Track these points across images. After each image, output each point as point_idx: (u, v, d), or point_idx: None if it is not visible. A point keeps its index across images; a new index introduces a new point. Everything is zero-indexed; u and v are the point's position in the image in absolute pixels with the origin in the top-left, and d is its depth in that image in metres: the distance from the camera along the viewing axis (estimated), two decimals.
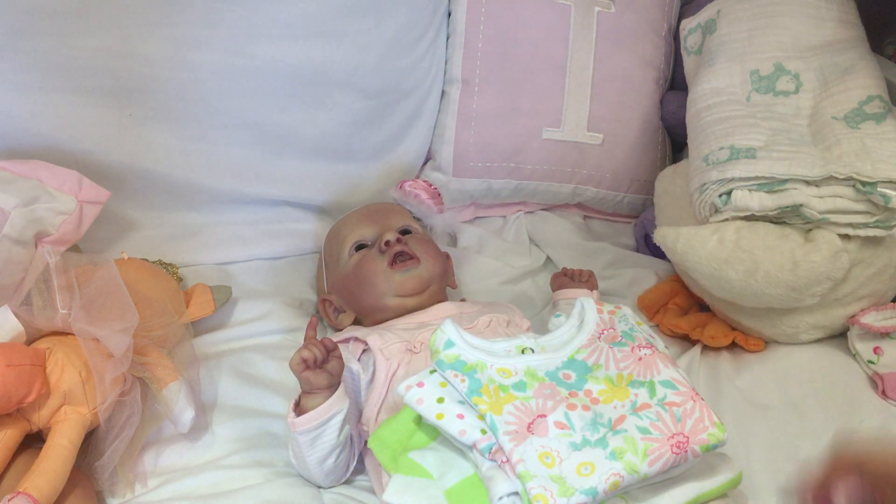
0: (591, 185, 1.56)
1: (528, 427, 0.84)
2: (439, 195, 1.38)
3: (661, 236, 1.21)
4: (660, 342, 0.96)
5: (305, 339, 1.02)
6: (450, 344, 0.92)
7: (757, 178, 1.14)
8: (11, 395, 0.88)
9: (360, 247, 1.24)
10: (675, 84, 1.63)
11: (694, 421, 0.84)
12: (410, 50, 1.45)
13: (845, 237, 1.13)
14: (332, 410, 0.98)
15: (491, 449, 0.83)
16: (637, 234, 1.56)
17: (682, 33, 1.44)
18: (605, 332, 0.96)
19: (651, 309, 1.34)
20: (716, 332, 1.25)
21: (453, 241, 1.52)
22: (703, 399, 0.87)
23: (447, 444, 0.89)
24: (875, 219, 1.12)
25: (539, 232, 1.56)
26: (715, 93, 1.29)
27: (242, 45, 1.30)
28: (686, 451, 0.82)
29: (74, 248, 1.16)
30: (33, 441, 0.96)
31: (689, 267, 1.18)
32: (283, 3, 1.30)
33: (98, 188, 1.16)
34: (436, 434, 0.90)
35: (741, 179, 1.15)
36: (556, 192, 1.57)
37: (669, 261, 1.29)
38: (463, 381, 0.88)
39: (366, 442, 1.02)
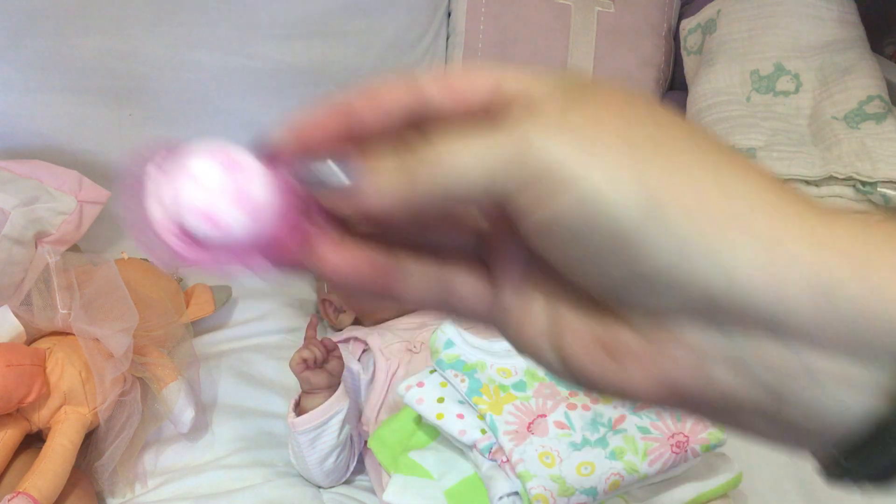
0: None
1: (528, 427, 0.84)
2: None
3: None
4: None
5: (305, 339, 1.01)
6: (450, 344, 0.92)
7: None
8: (11, 395, 0.88)
9: None
10: (675, 84, 1.63)
11: (694, 420, 0.84)
12: (410, 50, 1.45)
13: None
14: (332, 410, 0.98)
15: (491, 449, 0.83)
16: None
17: (682, 33, 1.44)
18: None
19: None
20: None
21: None
22: None
23: (447, 444, 0.89)
24: None
25: None
26: (715, 93, 1.29)
27: (242, 45, 1.30)
28: (686, 451, 0.82)
29: (74, 248, 1.16)
30: (33, 441, 0.96)
31: None
32: (283, 3, 1.30)
33: (98, 188, 1.16)
34: (436, 434, 0.90)
35: None
36: None
37: None
38: (463, 380, 0.88)
39: (366, 442, 1.02)
